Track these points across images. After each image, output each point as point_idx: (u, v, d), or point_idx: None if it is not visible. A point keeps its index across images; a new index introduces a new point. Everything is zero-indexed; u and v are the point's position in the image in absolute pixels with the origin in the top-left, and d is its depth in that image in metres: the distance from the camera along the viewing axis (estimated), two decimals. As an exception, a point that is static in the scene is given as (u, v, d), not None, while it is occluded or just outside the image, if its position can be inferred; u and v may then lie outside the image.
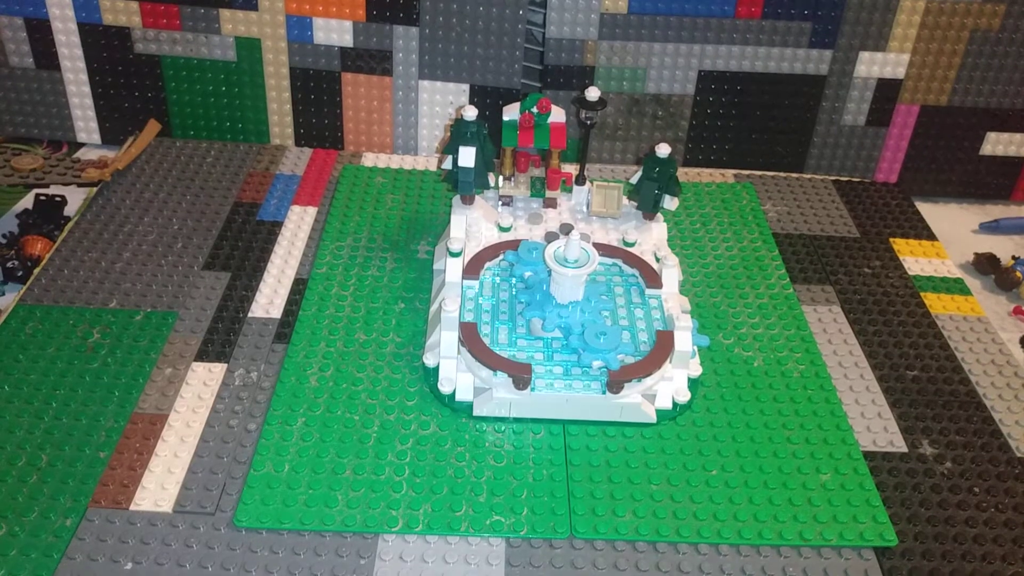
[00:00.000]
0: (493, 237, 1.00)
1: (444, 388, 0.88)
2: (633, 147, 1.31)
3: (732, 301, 1.05)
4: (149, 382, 0.89)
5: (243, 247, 1.09)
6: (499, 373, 0.86)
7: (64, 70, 1.27)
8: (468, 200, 1.01)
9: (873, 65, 1.25)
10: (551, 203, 1.05)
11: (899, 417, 0.91)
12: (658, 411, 0.88)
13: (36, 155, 1.28)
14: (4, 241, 1.11)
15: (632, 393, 0.86)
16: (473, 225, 1.00)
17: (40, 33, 1.25)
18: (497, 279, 0.97)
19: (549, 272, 0.90)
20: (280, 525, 0.76)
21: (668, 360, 0.88)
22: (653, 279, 0.95)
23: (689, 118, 1.29)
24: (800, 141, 1.31)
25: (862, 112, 1.29)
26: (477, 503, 0.79)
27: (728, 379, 0.93)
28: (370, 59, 1.25)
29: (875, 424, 0.90)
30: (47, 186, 1.20)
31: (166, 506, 0.77)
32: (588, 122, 1.00)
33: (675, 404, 0.89)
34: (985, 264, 1.17)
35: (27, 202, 1.18)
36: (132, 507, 0.77)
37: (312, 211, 1.16)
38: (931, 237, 1.20)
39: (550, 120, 0.99)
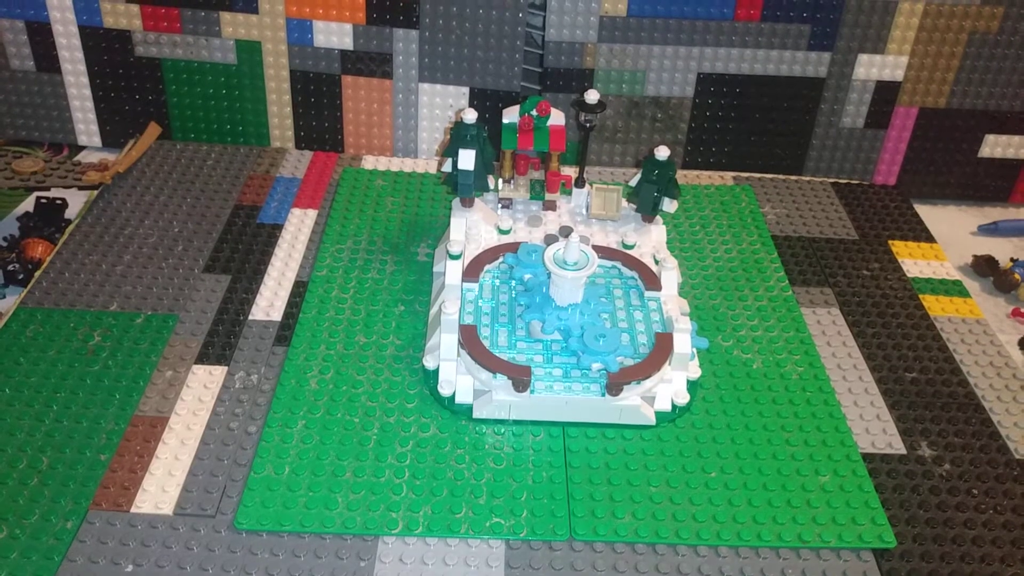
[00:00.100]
0: (493, 240, 1.01)
1: (444, 390, 0.88)
2: (632, 150, 1.31)
3: (731, 303, 1.05)
4: (150, 385, 0.89)
5: (243, 250, 1.09)
6: (499, 375, 0.86)
7: (65, 73, 1.27)
8: (468, 203, 1.01)
9: (872, 67, 1.26)
10: (550, 206, 1.05)
11: (898, 419, 0.92)
12: (657, 413, 0.88)
13: (37, 158, 1.28)
14: (5, 244, 1.11)
15: (631, 395, 0.86)
16: (473, 228, 1.01)
17: (41, 36, 1.25)
18: (497, 282, 0.97)
19: (548, 275, 0.90)
20: (280, 527, 0.76)
21: (667, 362, 0.88)
22: (652, 281, 0.96)
23: (688, 120, 1.29)
24: (799, 143, 1.31)
25: (861, 114, 1.29)
26: (477, 505, 0.79)
27: (727, 381, 0.94)
28: (370, 62, 1.25)
29: (874, 426, 0.90)
30: (48, 189, 1.20)
31: (167, 508, 0.78)
32: (587, 125, 1.01)
33: (674, 406, 0.89)
34: (984, 266, 1.17)
35: (28, 205, 1.18)
36: (133, 509, 0.77)
37: (312, 214, 1.16)
38: (930, 239, 1.20)
39: (549, 123, 0.99)
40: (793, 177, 1.32)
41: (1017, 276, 1.14)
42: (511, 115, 1.00)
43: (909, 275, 1.12)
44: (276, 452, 0.83)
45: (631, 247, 1.00)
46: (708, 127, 1.30)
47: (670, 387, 0.89)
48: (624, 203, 1.04)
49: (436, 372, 0.90)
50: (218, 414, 0.87)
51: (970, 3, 1.21)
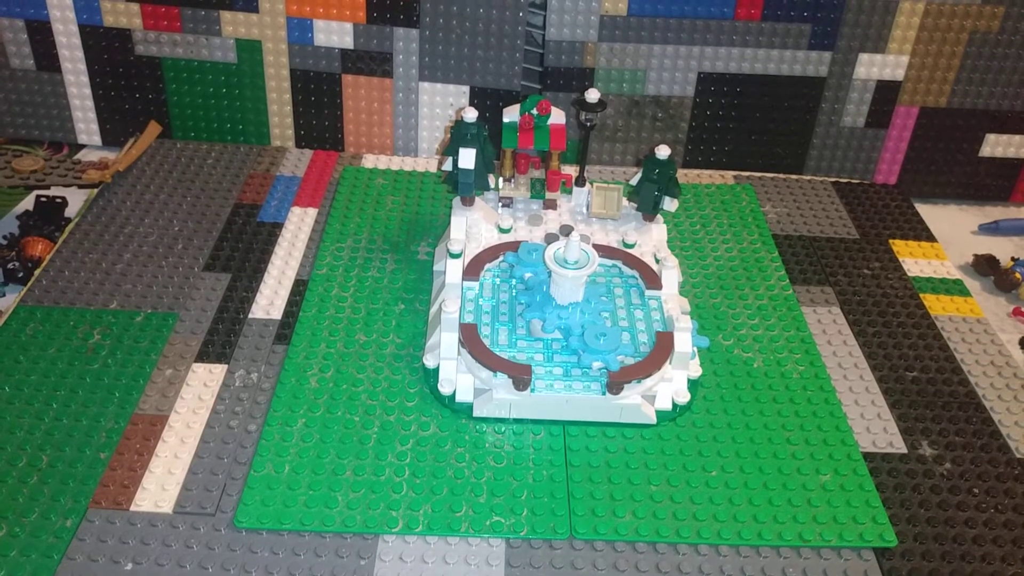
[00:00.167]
0: (493, 238, 1.00)
1: (444, 389, 0.88)
2: (633, 149, 1.31)
3: (732, 302, 1.05)
4: (149, 383, 0.89)
5: (243, 248, 1.09)
6: (499, 374, 0.86)
7: (65, 72, 1.27)
8: (468, 201, 1.01)
9: (872, 67, 1.26)
10: (551, 204, 1.05)
11: (899, 418, 0.91)
12: (658, 412, 0.88)
13: (37, 157, 1.28)
14: (5, 242, 1.11)
15: (632, 394, 0.86)
16: (473, 226, 1.01)
17: (41, 35, 1.25)
18: (497, 280, 0.97)
19: (549, 273, 0.90)
20: (280, 526, 0.76)
21: (668, 361, 0.88)
22: (653, 280, 0.96)
23: (689, 120, 1.29)
24: (799, 143, 1.31)
25: (861, 114, 1.29)
26: (477, 504, 0.79)
27: (728, 380, 0.94)
28: (370, 61, 1.25)
29: (875, 425, 0.90)
30: (48, 187, 1.20)
31: (166, 507, 0.78)
32: (588, 124, 1.01)
33: (675, 405, 0.89)
34: (984, 265, 1.17)
35: (28, 203, 1.18)
36: (132, 508, 0.77)
37: (312, 212, 1.16)
38: (930, 238, 1.20)
39: (550, 122, 0.99)
40: (794, 176, 1.32)
41: (1018, 275, 1.14)
42: (511, 114, 1.00)
43: (910, 274, 1.12)
44: (276, 450, 0.83)
45: (632, 246, 1.00)
46: (709, 126, 1.30)
47: (671, 386, 0.89)
48: (625, 202, 1.04)
49: (436, 371, 0.89)
50: (218, 412, 0.87)
51: (971, 2, 1.21)
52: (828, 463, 0.85)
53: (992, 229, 1.27)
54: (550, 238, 0.98)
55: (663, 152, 0.96)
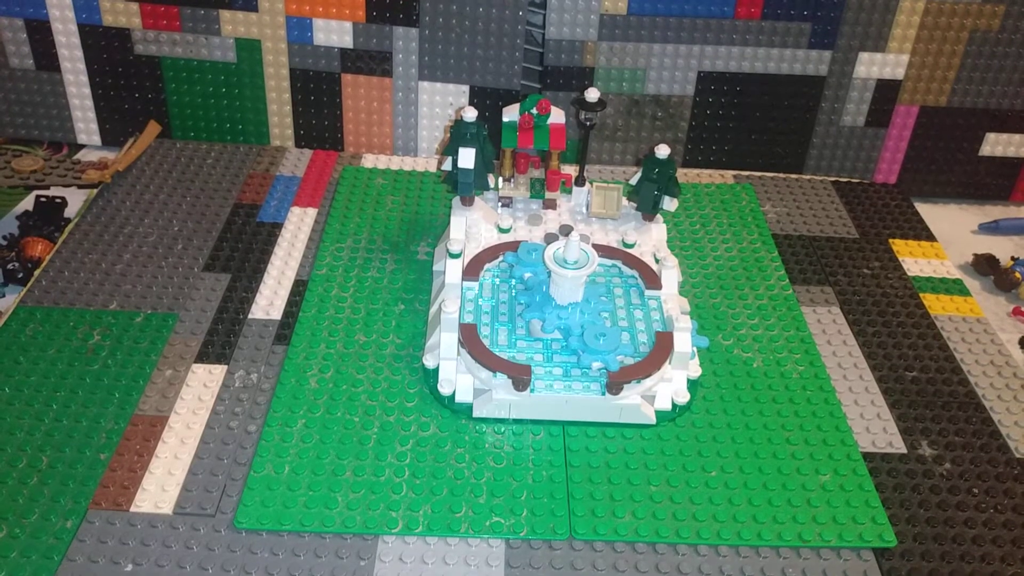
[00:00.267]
0: (493, 238, 1.00)
1: (444, 389, 0.88)
2: (632, 148, 1.31)
3: (731, 302, 1.05)
4: (149, 384, 0.89)
5: (243, 248, 1.09)
6: (499, 374, 0.86)
7: (64, 71, 1.27)
8: (468, 201, 1.01)
9: (872, 66, 1.25)
10: (551, 204, 1.05)
11: (898, 418, 0.91)
12: (657, 412, 0.88)
13: (36, 156, 1.28)
14: (4, 243, 1.11)
15: (631, 394, 0.86)
16: (473, 226, 1.01)
17: (40, 34, 1.25)
18: (497, 280, 0.97)
19: (549, 273, 0.90)
20: (280, 527, 0.76)
21: (667, 361, 0.88)
22: (652, 280, 0.96)
23: (688, 119, 1.29)
24: (799, 142, 1.31)
25: (861, 113, 1.29)
26: (477, 504, 0.79)
27: (727, 380, 0.94)
28: (370, 60, 1.25)
29: (874, 425, 0.90)
30: (47, 188, 1.20)
31: (166, 508, 0.78)
32: (588, 123, 1.01)
33: (674, 405, 0.89)
34: (984, 265, 1.17)
35: (27, 204, 1.18)
36: (132, 509, 0.77)
37: (312, 212, 1.16)
38: (930, 238, 1.20)
39: (550, 121, 0.99)
40: (794, 176, 1.32)
41: (1018, 275, 1.14)
42: (511, 113, 1.00)
43: (910, 274, 1.12)
44: (276, 451, 0.83)
45: (631, 246, 1.00)
46: (708, 125, 1.29)
47: (670, 386, 0.89)
48: (624, 202, 1.04)
49: (436, 371, 0.89)
50: (218, 413, 0.87)
51: (971, 1, 1.21)
52: (828, 463, 0.85)
53: (992, 228, 1.27)
54: (550, 238, 0.98)
55: (663, 151, 0.96)
